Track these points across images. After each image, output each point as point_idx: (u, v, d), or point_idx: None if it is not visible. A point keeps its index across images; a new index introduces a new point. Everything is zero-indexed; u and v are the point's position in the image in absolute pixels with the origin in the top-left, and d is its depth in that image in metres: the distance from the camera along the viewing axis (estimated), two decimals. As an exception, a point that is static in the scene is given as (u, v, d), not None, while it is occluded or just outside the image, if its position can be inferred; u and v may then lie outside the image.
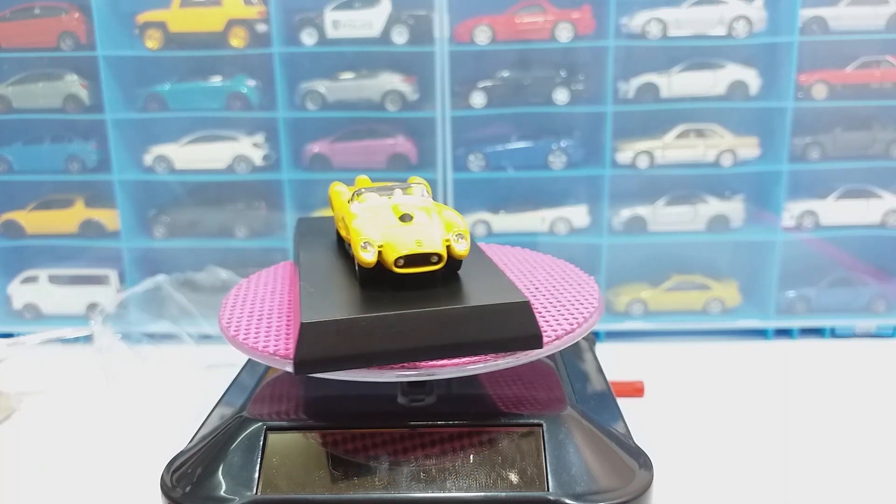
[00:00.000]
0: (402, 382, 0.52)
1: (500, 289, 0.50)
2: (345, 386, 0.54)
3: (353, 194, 0.56)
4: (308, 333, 0.45)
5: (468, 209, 0.98)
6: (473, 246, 0.58)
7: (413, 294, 0.49)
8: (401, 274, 0.49)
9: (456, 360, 0.47)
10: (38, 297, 1.01)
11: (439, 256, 0.49)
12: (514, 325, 0.47)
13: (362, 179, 0.60)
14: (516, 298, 0.47)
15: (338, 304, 0.48)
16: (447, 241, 0.50)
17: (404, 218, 0.51)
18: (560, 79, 0.95)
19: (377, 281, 0.50)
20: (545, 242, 0.98)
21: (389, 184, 0.58)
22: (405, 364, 0.47)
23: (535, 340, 0.48)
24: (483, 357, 0.47)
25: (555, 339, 0.50)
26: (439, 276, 0.51)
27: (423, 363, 0.47)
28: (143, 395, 0.81)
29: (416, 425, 0.50)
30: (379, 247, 0.49)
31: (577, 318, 0.53)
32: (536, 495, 0.46)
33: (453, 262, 0.51)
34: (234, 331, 0.53)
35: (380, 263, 0.49)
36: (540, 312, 0.54)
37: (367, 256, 0.49)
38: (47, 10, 0.93)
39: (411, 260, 0.49)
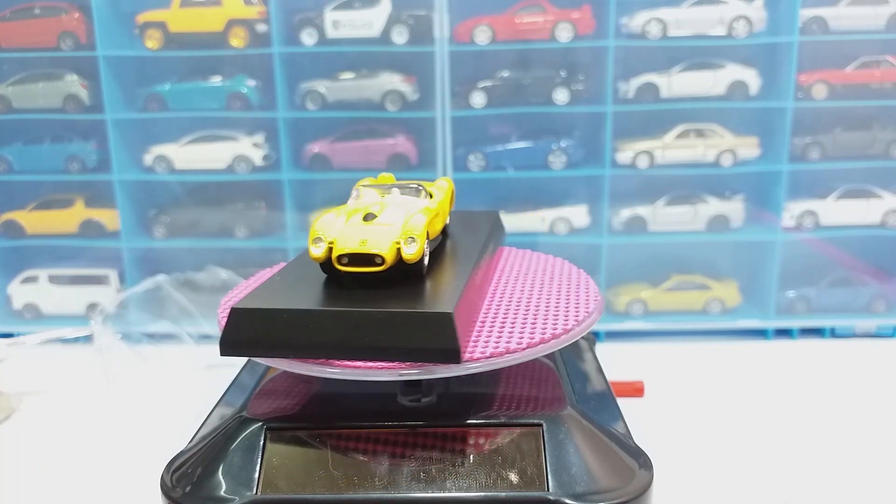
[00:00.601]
0: (401, 382, 0.52)
1: (432, 297, 0.49)
2: (345, 386, 0.54)
3: (354, 191, 0.57)
4: (234, 318, 0.48)
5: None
6: (465, 250, 0.58)
7: (351, 293, 0.50)
8: (346, 272, 0.50)
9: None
10: (38, 297, 1.01)
11: (382, 258, 0.49)
12: (430, 336, 0.46)
13: (384, 177, 0.61)
14: (439, 309, 0.46)
15: (282, 295, 0.50)
16: (397, 243, 0.50)
17: (367, 217, 0.52)
18: (560, 79, 0.95)
19: (337, 278, 0.52)
20: (545, 242, 0.98)
21: (405, 182, 0.58)
22: (403, 363, 0.47)
23: (453, 355, 0.46)
24: (482, 357, 0.48)
25: (552, 339, 0.51)
26: (394, 278, 0.51)
27: (341, 362, 0.47)
28: (143, 395, 0.81)
29: (415, 425, 0.50)
30: (329, 243, 0.50)
31: (575, 317, 0.53)
32: (536, 495, 0.46)
33: (407, 266, 0.51)
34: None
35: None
36: (539, 312, 0.54)
37: (315, 251, 0.50)
38: (47, 10, 0.93)
39: (355, 259, 0.50)
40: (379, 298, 0.48)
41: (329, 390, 0.55)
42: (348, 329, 0.46)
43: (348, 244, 0.50)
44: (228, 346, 0.48)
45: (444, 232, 0.63)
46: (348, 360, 0.47)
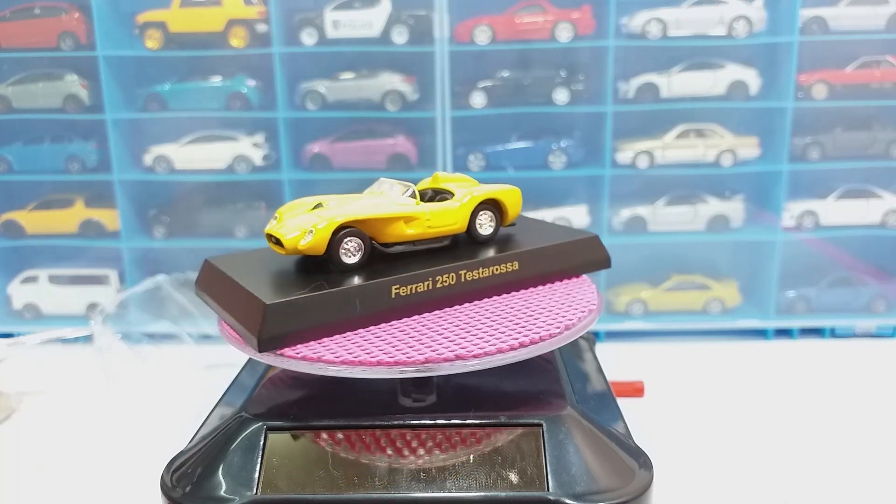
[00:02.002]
0: (400, 381, 0.53)
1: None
2: (345, 386, 0.54)
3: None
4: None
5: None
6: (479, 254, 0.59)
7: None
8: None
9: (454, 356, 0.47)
10: (38, 297, 1.01)
11: (277, 240, 0.54)
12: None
13: (439, 177, 0.64)
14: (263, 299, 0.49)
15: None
16: (305, 232, 0.53)
17: (316, 207, 0.57)
18: (560, 79, 0.95)
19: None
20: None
21: (403, 182, 0.60)
22: (404, 361, 0.47)
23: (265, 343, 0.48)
24: (482, 353, 0.48)
25: (551, 337, 0.51)
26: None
27: (341, 360, 0.48)
28: (143, 395, 0.81)
29: (416, 425, 0.50)
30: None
31: (575, 316, 0.54)
32: (536, 495, 0.46)
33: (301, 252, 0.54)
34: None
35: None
36: (539, 311, 0.54)
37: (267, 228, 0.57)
38: (47, 10, 0.93)
39: (273, 240, 0.55)
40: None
41: (329, 390, 0.55)
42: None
43: (274, 226, 0.55)
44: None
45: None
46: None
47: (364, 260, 0.55)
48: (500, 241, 0.62)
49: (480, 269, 0.56)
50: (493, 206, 0.61)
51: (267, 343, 0.48)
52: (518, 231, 0.65)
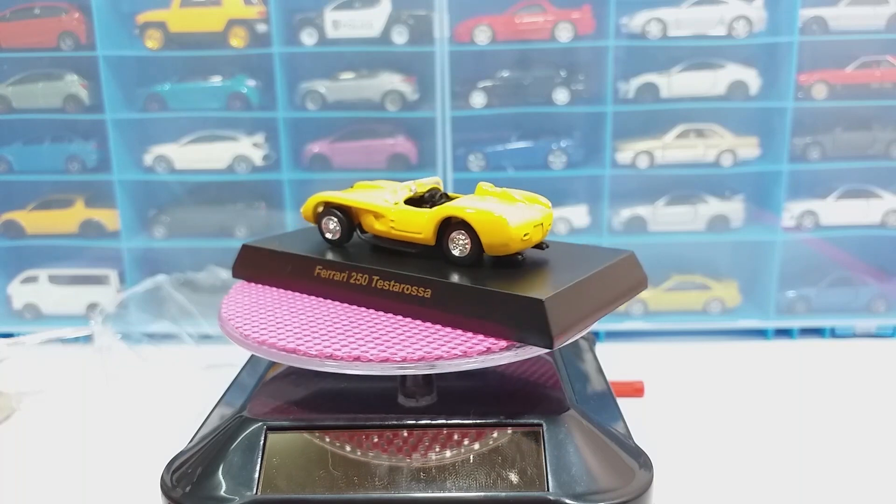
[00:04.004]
0: (400, 380, 0.52)
1: None
2: (345, 385, 0.54)
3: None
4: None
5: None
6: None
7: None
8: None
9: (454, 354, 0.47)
10: (38, 297, 1.01)
11: None
12: None
13: (482, 187, 0.59)
14: None
15: None
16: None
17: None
18: (560, 79, 0.95)
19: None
20: (545, 242, 0.98)
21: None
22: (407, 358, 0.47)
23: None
24: (485, 351, 0.48)
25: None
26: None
27: (340, 356, 0.48)
28: (143, 395, 0.81)
29: (416, 425, 0.50)
30: None
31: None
32: (536, 495, 0.46)
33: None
34: (236, 325, 0.53)
35: None
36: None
37: None
38: (47, 10, 0.93)
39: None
40: None
41: (329, 390, 0.55)
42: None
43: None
44: None
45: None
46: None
47: (343, 239, 0.60)
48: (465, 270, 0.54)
49: (392, 283, 0.53)
50: (466, 227, 0.53)
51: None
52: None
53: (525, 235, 0.53)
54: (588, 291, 0.51)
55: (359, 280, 0.55)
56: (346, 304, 0.55)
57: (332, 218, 0.60)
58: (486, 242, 0.53)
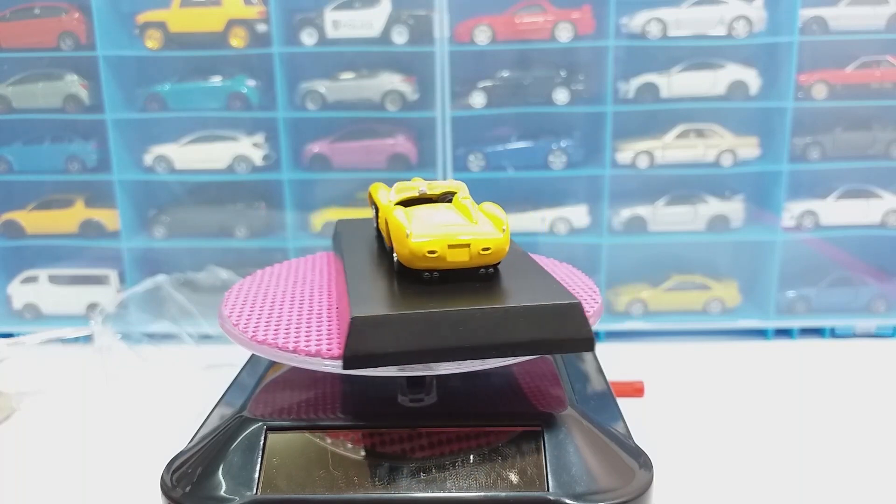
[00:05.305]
0: (401, 380, 0.52)
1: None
2: (345, 385, 0.54)
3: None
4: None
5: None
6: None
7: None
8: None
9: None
10: (38, 297, 1.01)
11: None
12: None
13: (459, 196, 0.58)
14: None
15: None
16: None
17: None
18: (560, 79, 0.95)
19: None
20: (545, 242, 0.98)
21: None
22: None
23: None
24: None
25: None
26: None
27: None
28: (143, 395, 0.81)
29: (416, 425, 0.50)
30: None
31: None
32: (536, 495, 0.46)
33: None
34: (235, 322, 0.53)
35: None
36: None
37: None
38: (47, 10, 0.93)
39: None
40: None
41: (329, 390, 0.55)
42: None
43: None
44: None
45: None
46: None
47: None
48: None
49: None
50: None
51: None
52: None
53: (431, 253, 0.48)
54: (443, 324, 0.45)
55: None
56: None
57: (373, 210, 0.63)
58: (396, 250, 0.50)
